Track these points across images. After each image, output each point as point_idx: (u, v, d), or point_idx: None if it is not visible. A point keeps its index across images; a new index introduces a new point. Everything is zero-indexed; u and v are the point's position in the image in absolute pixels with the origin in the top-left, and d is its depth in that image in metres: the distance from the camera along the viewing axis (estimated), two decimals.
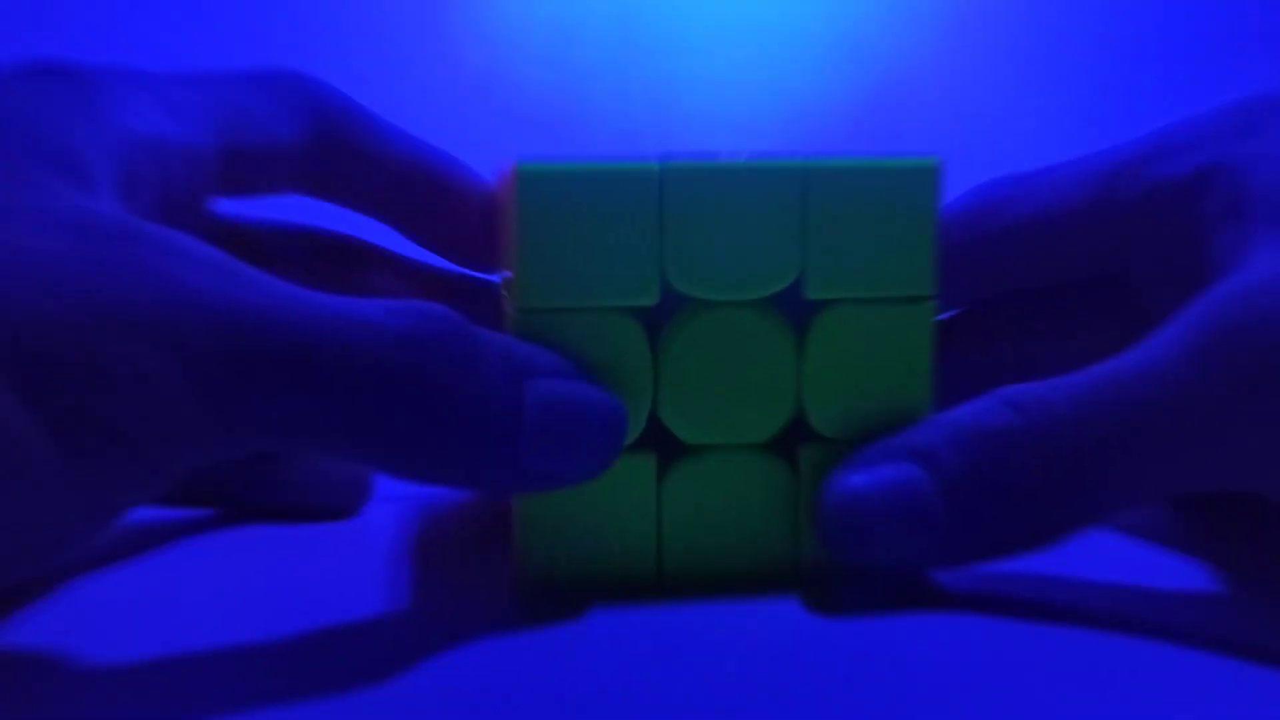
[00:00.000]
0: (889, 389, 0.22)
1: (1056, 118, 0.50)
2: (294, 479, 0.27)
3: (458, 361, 0.18)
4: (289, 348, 0.17)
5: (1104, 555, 0.25)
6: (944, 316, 0.28)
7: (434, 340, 0.18)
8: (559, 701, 0.18)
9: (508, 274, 0.25)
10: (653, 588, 0.22)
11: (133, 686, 0.18)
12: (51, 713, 0.17)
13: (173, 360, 0.17)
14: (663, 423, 0.22)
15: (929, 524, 0.20)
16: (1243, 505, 0.26)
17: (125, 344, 0.17)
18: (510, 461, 0.19)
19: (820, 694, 0.18)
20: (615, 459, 0.21)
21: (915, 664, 0.19)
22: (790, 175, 0.21)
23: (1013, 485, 0.20)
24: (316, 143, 0.25)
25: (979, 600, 0.22)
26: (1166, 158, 0.25)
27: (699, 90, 0.49)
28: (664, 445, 0.22)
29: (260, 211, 0.27)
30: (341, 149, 0.25)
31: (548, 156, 0.21)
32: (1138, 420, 0.20)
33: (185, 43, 0.46)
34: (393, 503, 0.28)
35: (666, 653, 0.19)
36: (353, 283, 0.28)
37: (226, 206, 0.26)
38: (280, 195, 0.26)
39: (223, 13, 0.45)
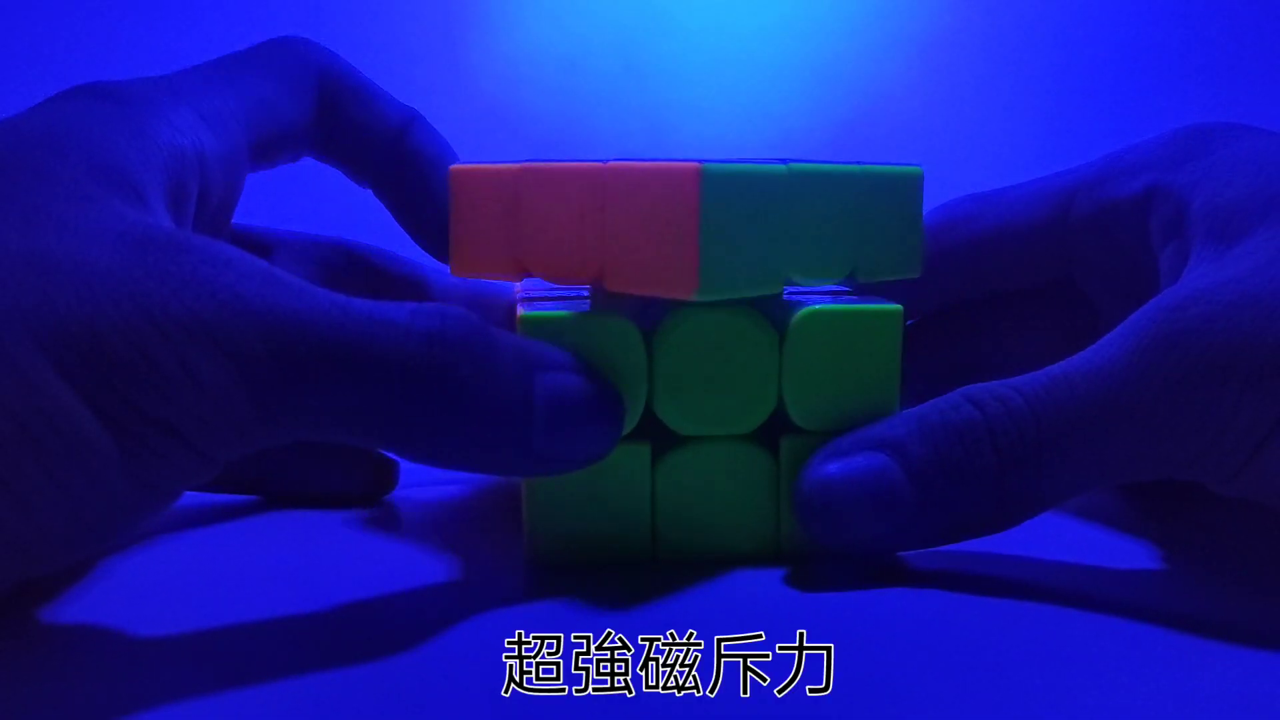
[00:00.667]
0: (861, 386, 0.23)
1: (1017, 141, 0.52)
2: (326, 468, 0.28)
3: (477, 357, 0.19)
4: (326, 347, 0.18)
5: (1056, 535, 0.26)
6: (912, 321, 0.30)
7: (456, 338, 0.19)
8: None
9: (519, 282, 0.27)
10: (647, 565, 0.23)
11: (180, 654, 0.19)
12: (107, 678, 0.18)
13: (220, 359, 0.17)
14: (656, 415, 0.23)
15: (897, 508, 0.21)
16: (1181, 491, 0.27)
17: (176, 345, 0.17)
18: (523, 446, 0.20)
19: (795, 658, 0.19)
20: (616, 444, 0.22)
21: (883, 633, 0.20)
22: (839, 179, 0.23)
23: (972, 473, 0.21)
24: (319, 112, 0.26)
25: (942, 577, 0.23)
26: (1115, 180, 0.26)
27: (694, 116, 0.51)
28: (658, 436, 0.23)
29: (277, 224, 0.28)
30: (339, 117, 0.26)
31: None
32: (1086, 417, 0.21)
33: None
34: (416, 489, 0.29)
35: (660, 622, 0.20)
36: (363, 287, 0.28)
37: (248, 219, 0.27)
38: (293, 162, 0.27)
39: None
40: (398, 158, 0.27)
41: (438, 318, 0.19)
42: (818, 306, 0.23)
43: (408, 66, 0.49)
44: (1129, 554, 0.25)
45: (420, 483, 0.30)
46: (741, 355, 0.23)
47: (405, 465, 0.29)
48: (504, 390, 0.20)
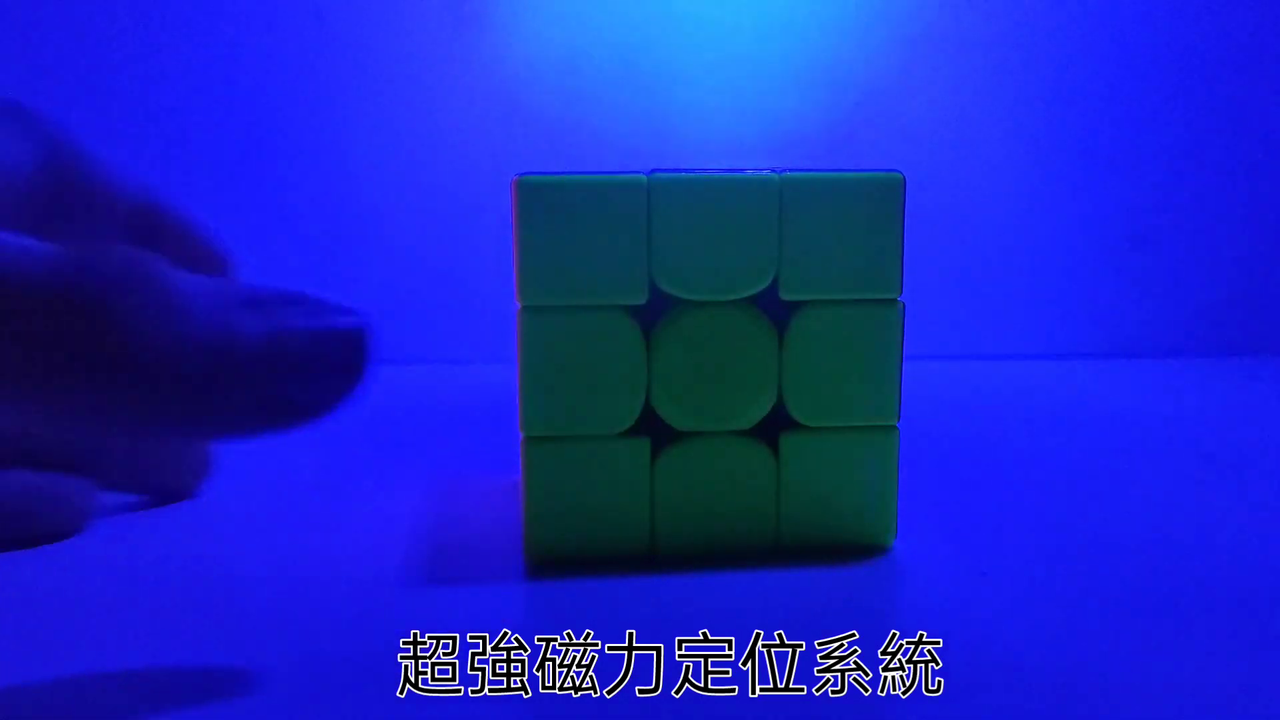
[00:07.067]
0: (861, 382, 0.23)
1: (1016, 141, 0.52)
2: (142, 463, 0.27)
3: (147, 290, 0.17)
4: None
5: (1056, 531, 0.25)
6: None
7: (114, 270, 0.17)
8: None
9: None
10: (646, 560, 0.23)
11: (179, 656, 0.19)
12: (108, 681, 0.18)
13: None
14: (656, 411, 0.23)
15: None
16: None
17: None
18: (235, 392, 0.17)
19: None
20: (362, 378, 0.18)
21: (883, 633, 0.20)
22: (765, 187, 0.22)
23: None
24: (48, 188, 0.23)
25: (941, 577, 0.22)
26: None
27: (692, 115, 0.51)
28: (657, 431, 0.23)
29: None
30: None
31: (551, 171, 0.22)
32: None
33: (233, 76, 0.47)
34: (415, 486, 0.29)
35: (659, 620, 0.20)
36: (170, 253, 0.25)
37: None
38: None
39: (270, 48, 0.47)
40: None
41: (95, 251, 0.17)
42: (819, 304, 0.23)
43: (409, 68, 0.49)
44: (1128, 551, 0.25)
45: (419, 479, 0.30)
46: (740, 351, 0.23)
47: (402, 454, 0.29)
48: (197, 330, 0.17)
